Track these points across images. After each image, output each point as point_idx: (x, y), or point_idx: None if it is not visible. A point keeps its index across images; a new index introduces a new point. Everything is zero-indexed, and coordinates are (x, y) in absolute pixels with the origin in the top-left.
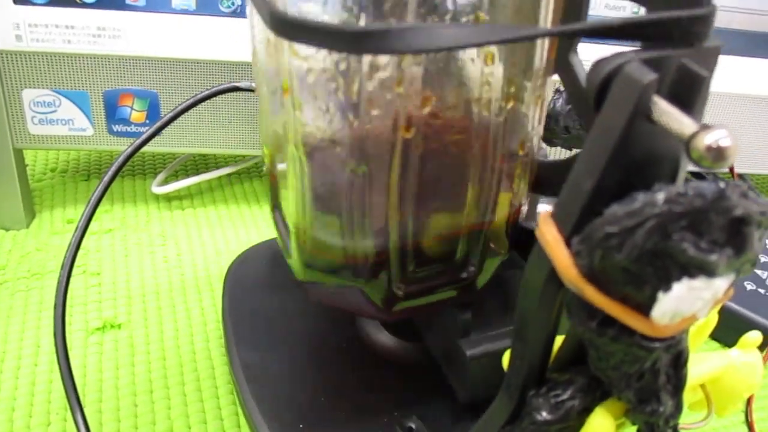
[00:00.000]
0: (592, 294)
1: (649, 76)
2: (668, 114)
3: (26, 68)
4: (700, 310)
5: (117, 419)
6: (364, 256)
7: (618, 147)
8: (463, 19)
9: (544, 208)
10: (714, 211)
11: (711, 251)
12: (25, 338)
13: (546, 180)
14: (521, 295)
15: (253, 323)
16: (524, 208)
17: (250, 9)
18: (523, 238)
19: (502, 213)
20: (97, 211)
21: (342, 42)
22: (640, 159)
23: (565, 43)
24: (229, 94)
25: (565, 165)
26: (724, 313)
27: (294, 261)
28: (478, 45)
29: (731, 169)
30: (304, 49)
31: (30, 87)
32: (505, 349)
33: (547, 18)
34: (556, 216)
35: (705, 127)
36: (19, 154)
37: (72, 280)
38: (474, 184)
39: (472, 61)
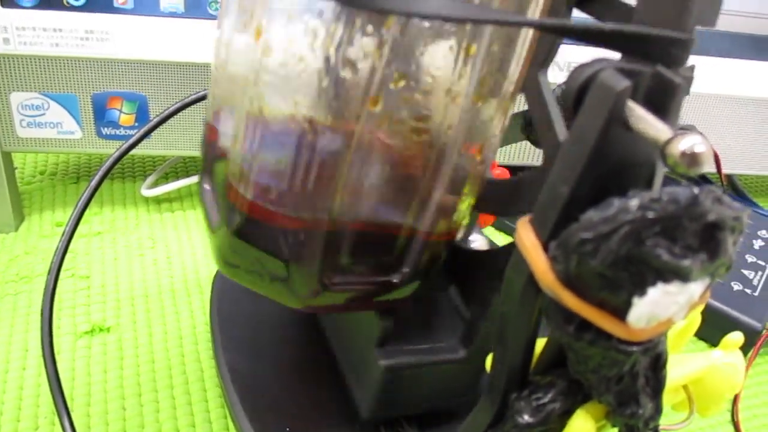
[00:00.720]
0: (569, 299)
1: (624, 83)
2: (643, 120)
3: (14, 71)
4: (676, 313)
5: (105, 423)
6: (305, 235)
7: (593, 153)
8: None
9: (477, 238)
10: (687, 216)
11: (684, 257)
12: (13, 342)
13: (490, 198)
14: (501, 299)
15: (240, 327)
16: (460, 232)
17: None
18: (457, 258)
19: (444, 222)
20: (86, 213)
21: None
22: (616, 165)
23: (536, 60)
24: None
25: (509, 185)
26: (712, 314)
27: (222, 244)
28: (460, 21)
29: (718, 170)
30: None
31: (18, 90)
32: (421, 366)
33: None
34: (534, 221)
35: (680, 133)
36: (7, 157)
37: (60, 283)
38: (426, 179)
39: (451, 49)
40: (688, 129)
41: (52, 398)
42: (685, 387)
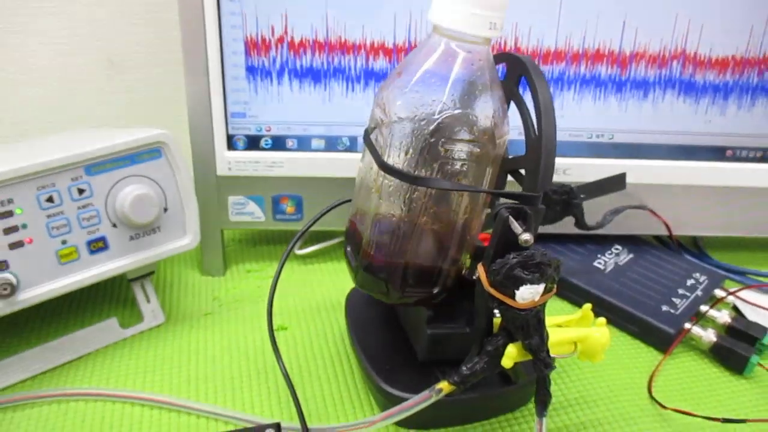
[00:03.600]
0: (494, 292)
1: (506, 213)
2: (515, 225)
3: (231, 185)
4: (533, 297)
5: (293, 376)
6: (394, 271)
7: (500, 239)
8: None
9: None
10: (529, 261)
11: (529, 276)
12: (239, 337)
13: (477, 253)
14: (475, 297)
15: (361, 320)
16: (464, 270)
17: (364, 151)
18: (464, 282)
19: (455, 266)
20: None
21: (410, 179)
22: (510, 243)
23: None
24: None
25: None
26: (645, 325)
27: (355, 275)
28: (456, 190)
29: (669, 232)
30: (390, 178)
31: (232, 195)
32: (449, 335)
33: (491, 179)
34: (484, 264)
35: (524, 232)
36: (222, 233)
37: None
38: (450, 246)
39: (454, 195)
40: (641, 207)
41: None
42: (575, 342)
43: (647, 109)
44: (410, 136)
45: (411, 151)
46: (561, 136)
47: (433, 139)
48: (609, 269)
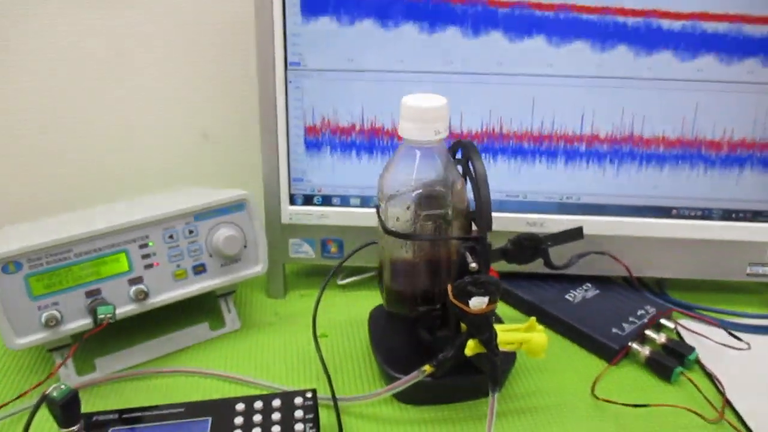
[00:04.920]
0: (456, 302)
1: (464, 248)
2: (468, 258)
3: (291, 230)
4: (482, 306)
5: (333, 372)
6: (407, 295)
7: (459, 266)
8: (435, 230)
9: None
10: (477, 281)
11: (478, 291)
12: (292, 339)
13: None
14: (447, 307)
15: (379, 330)
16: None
17: (377, 214)
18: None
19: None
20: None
21: (405, 236)
22: (466, 270)
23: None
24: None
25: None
26: (595, 343)
27: (384, 298)
28: (435, 240)
29: (629, 273)
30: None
31: (292, 237)
32: (438, 339)
33: (460, 226)
34: (450, 284)
35: (473, 262)
36: (283, 266)
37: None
38: (442, 275)
39: (437, 242)
40: (601, 253)
41: (319, 359)
42: (521, 342)
43: (606, 177)
44: (398, 208)
45: (400, 217)
46: (537, 197)
47: (412, 209)
48: (577, 301)
